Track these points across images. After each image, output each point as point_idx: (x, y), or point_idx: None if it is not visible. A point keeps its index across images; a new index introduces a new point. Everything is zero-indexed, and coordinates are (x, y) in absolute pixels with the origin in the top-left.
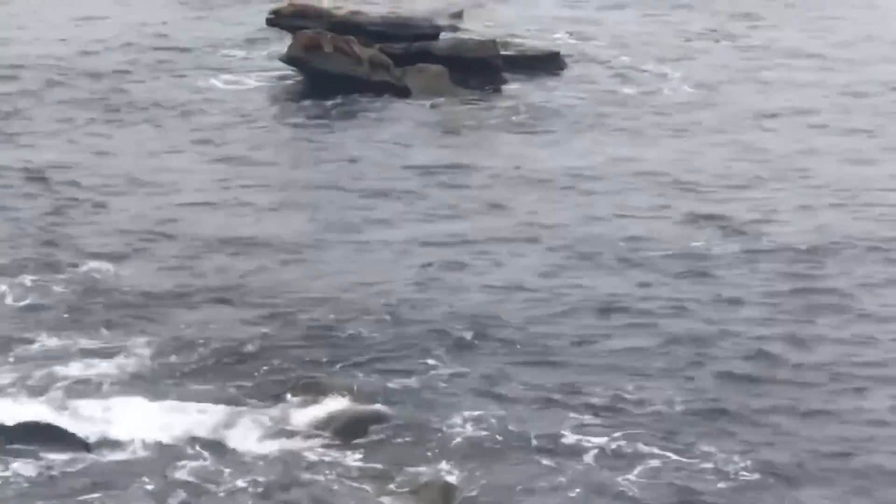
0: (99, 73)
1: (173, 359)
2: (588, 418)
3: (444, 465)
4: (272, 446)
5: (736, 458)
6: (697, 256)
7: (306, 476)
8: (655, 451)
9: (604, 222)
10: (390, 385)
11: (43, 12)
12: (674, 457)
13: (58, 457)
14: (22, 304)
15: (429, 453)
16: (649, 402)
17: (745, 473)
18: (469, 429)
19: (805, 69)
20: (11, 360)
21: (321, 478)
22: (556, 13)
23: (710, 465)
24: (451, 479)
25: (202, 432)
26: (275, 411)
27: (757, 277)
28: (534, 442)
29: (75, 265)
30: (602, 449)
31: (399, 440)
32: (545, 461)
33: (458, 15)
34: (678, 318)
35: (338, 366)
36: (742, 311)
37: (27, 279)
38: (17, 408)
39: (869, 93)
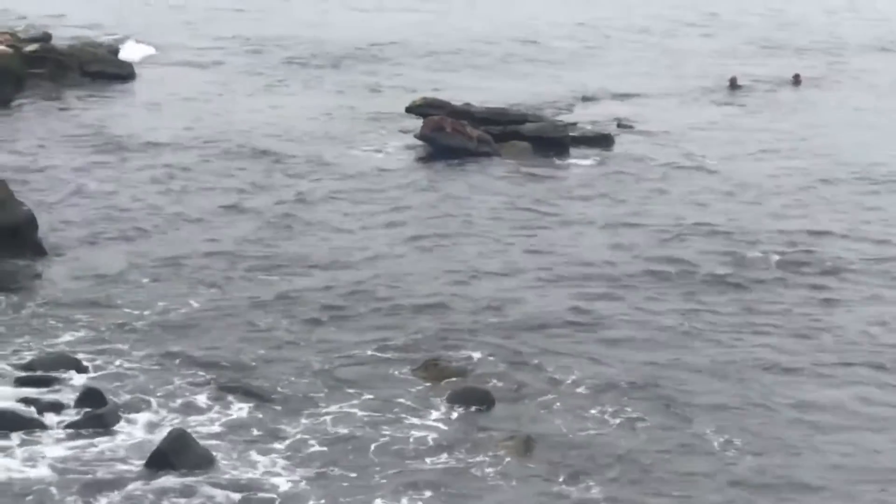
0: (277, 139)
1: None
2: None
3: (530, 428)
4: (398, 408)
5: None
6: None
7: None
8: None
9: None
10: (494, 367)
11: (247, 101)
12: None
13: None
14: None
15: (520, 419)
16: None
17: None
18: (557, 403)
19: (798, 154)
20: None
21: (433, 436)
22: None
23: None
24: (533, 433)
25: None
26: (402, 382)
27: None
28: (608, 418)
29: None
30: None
31: (498, 409)
32: (610, 429)
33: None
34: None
35: (452, 348)
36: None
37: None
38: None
39: None
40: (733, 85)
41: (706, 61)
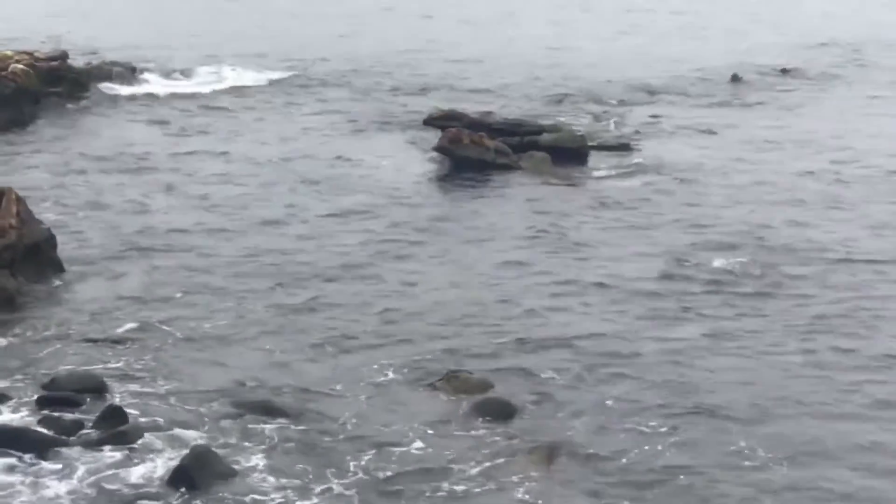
0: (297, 154)
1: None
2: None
3: (554, 439)
4: (420, 422)
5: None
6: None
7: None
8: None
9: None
10: (515, 380)
11: (269, 117)
12: None
13: None
14: None
15: (543, 431)
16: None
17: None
18: (581, 416)
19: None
20: None
21: (458, 444)
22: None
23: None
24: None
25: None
26: (424, 395)
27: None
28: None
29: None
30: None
31: (521, 421)
32: (629, 436)
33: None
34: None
35: (473, 362)
36: None
37: None
38: None
39: None
40: (734, 79)
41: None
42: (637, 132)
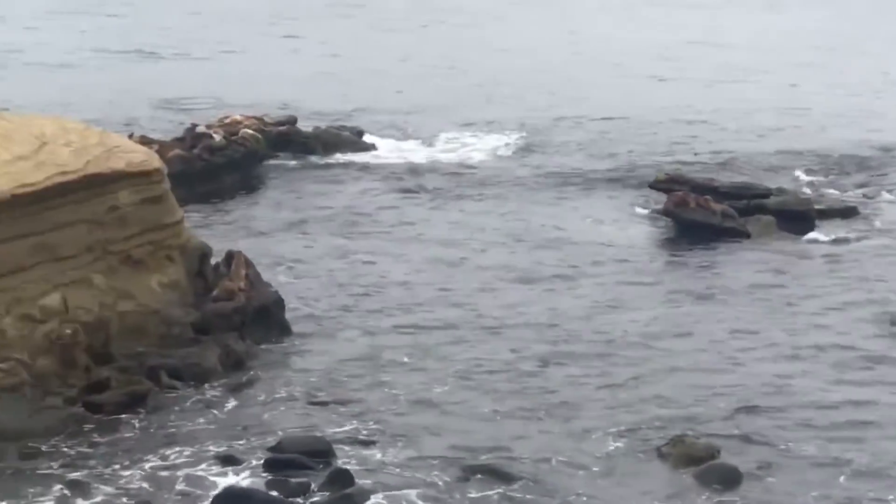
0: (522, 217)
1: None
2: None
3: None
4: (649, 492)
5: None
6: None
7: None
8: None
9: None
10: (742, 444)
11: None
12: None
13: None
14: None
15: (769, 498)
16: None
17: None
18: (811, 484)
19: None
20: None
21: None
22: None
23: None
24: None
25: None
26: (650, 461)
27: None
28: None
29: None
30: None
31: (748, 488)
32: None
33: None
34: None
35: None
36: None
37: None
38: None
39: None
40: None
41: None
42: (865, 195)
